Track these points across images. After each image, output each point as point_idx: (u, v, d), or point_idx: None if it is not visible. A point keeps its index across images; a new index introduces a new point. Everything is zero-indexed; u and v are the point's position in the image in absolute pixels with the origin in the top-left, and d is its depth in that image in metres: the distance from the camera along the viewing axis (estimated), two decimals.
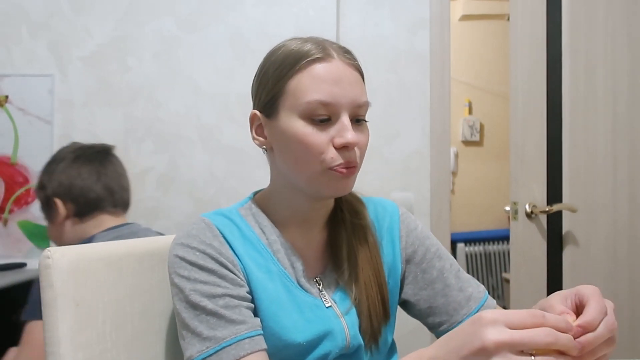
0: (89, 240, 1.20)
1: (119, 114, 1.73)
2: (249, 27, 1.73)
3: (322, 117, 0.68)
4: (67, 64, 1.73)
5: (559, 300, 0.56)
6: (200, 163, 1.73)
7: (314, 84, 0.68)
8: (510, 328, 0.45)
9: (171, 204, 1.72)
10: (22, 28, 1.72)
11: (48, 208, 1.23)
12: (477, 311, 0.80)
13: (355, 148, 0.70)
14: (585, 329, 0.49)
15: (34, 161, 1.72)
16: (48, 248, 0.67)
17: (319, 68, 0.68)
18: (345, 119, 0.68)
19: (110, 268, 0.73)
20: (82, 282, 0.68)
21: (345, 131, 0.68)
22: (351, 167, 0.70)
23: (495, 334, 0.45)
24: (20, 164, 1.73)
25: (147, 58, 1.73)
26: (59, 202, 1.20)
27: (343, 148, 0.68)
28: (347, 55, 0.72)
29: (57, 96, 1.73)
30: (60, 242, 1.25)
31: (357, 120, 0.71)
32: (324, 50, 0.69)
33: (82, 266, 0.69)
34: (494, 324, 0.45)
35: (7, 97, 1.73)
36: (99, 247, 0.75)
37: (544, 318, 0.47)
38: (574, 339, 0.48)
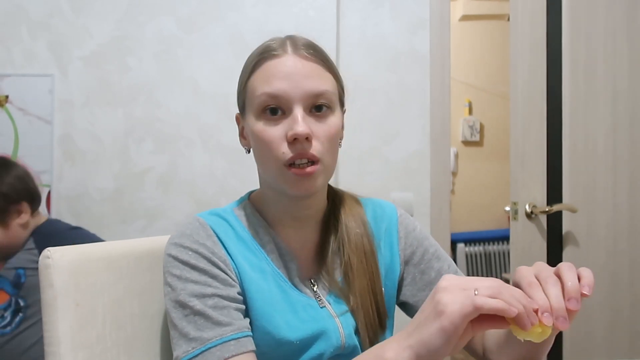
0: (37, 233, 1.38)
1: (119, 114, 1.73)
2: (249, 27, 1.73)
3: (273, 111, 0.67)
4: (67, 64, 1.73)
5: None
6: (200, 163, 1.72)
7: (264, 79, 0.68)
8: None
9: (171, 204, 1.72)
10: (22, 28, 1.72)
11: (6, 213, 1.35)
12: None
13: (314, 141, 0.67)
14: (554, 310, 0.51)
15: (34, 161, 1.72)
16: (48, 248, 0.67)
17: (269, 65, 0.69)
18: (297, 112, 0.67)
19: (110, 268, 0.73)
20: (82, 282, 0.68)
21: (294, 123, 0.66)
22: (309, 166, 0.67)
23: (445, 282, 0.51)
24: (20, 164, 1.73)
25: (147, 58, 1.73)
26: (24, 204, 1.37)
27: (295, 141, 0.66)
28: (304, 48, 0.70)
29: (57, 96, 1.73)
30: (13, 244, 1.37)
31: (319, 109, 0.69)
32: (281, 46, 0.70)
33: (82, 266, 0.69)
34: (448, 277, 0.52)
35: (7, 97, 1.73)
36: (99, 247, 0.75)
37: (502, 283, 0.51)
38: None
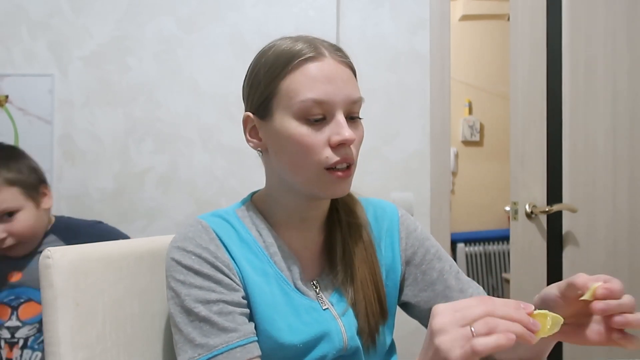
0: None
1: (119, 114, 1.73)
2: (249, 27, 1.73)
3: (317, 117, 0.67)
4: (67, 64, 1.73)
5: (556, 288, 0.61)
6: (200, 163, 1.72)
7: (307, 83, 0.67)
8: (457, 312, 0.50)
9: (171, 204, 1.72)
10: (22, 28, 1.72)
11: (36, 194, 1.25)
12: None
13: (351, 146, 0.69)
14: (611, 293, 0.54)
15: None
16: (48, 248, 0.67)
17: (311, 67, 0.68)
18: (340, 117, 0.68)
19: (110, 268, 0.73)
20: (82, 282, 0.68)
21: (341, 129, 0.67)
22: (347, 170, 0.69)
23: (439, 320, 0.49)
24: None
25: (147, 58, 1.73)
26: (49, 188, 1.29)
27: (339, 146, 0.68)
28: (338, 52, 0.71)
29: (57, 96, 1.73)
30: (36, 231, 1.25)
31: (352, 118, 0.71)
32: (315, 49, 0.69)
33: (82, 266, 0.69)
34: (441, 312, 0.50)
35: (7, 97, 1.72)
36: (99, 247, 0.75)
37: (493, 303, 0.50)
38: (600, 298, 0.53)
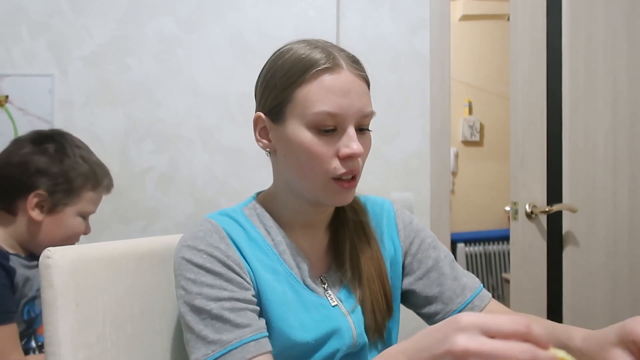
0: None
1: (119, 114, 1.73)
2: (249, 27, 1.73)
3: (328, 128, 0.68)
4: (67, 64, 1.73)
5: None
6: (200, 163, 1.72)
7: (322, 95, 0.68)
8: (487, 335, 0.41)
9: (171, 204, 1.72)
10: (22, 28, 1.72)
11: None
12: (472, 300, 0.81)
13: (359, 158, 0.71)
14: None
15: None
16: (48, 248, 0.67)
17: (328, 79, 0.68)
18: (351, 130, 0.69)
19: (110, 268, 0.73)
20: (82, 282, 0.68)
21: (351, 142, 0.68)
22: (352, 180, 0.71)
23: (465, 340, 0.40)
24: None
25: (147, 58, 1.73)
26: None
27: (347, 158, 0.69)
28: (355, 65, 0.72)
29: (57, 96, 1.73)
30: None
31: (361, 130, 0.72)
32: (333, 60, 0.69)
33: (82, 266, 0.69)
34: (467, 329, 0.41)
35: (7, 97, 1.72)
36: (99, 247, 0.75)
37: (528, 329, 0.41)
38: None
